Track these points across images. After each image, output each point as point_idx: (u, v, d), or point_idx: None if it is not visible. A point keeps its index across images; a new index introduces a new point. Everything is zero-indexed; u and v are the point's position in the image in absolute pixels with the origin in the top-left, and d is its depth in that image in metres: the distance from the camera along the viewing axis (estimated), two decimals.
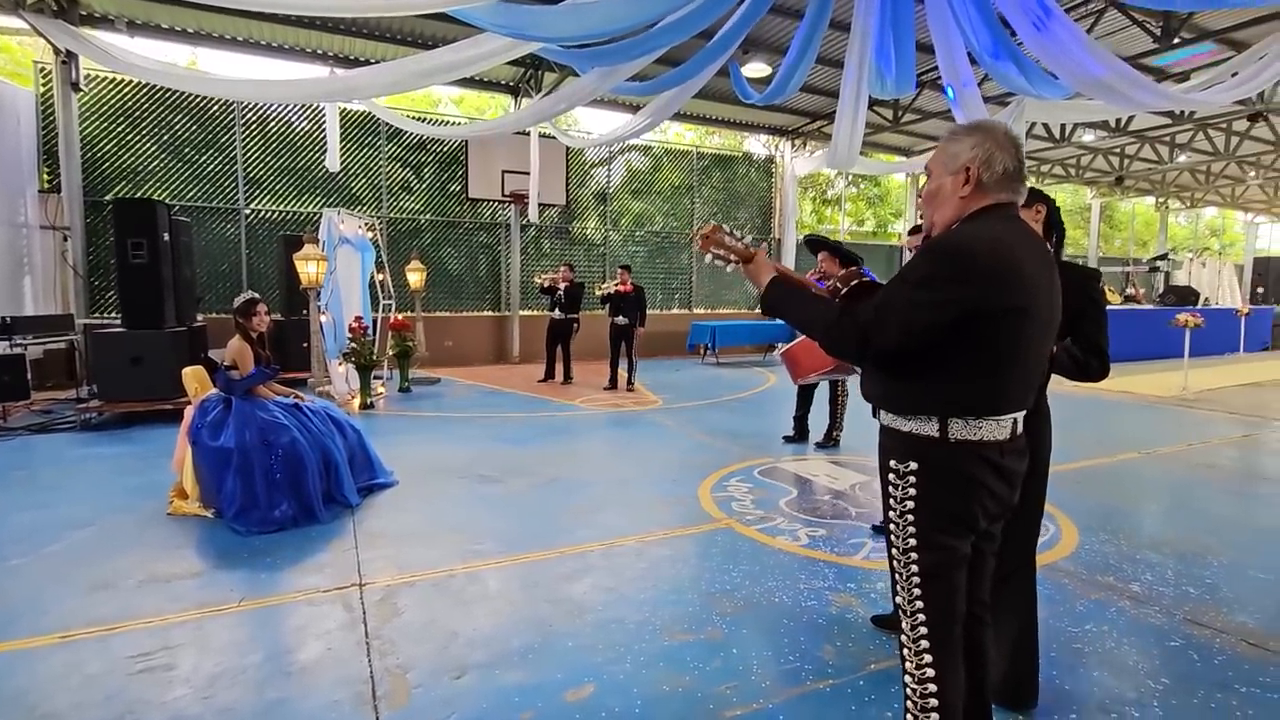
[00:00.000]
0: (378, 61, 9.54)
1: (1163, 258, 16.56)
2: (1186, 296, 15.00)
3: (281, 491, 3.79)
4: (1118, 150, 14.89)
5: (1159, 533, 3.81)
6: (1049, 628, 2.54)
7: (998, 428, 1.56)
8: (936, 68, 6.63)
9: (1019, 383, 1.57)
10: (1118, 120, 11.63)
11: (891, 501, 1.62)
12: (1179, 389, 8.75)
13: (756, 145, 14.46)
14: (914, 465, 1.57)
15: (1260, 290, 18.60)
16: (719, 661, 2.45)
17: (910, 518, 1.58)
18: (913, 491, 1.58)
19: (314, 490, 3.88)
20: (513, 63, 9.58)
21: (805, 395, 5.84)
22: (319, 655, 2.45)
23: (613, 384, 8.68)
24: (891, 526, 1.63)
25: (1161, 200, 19.86)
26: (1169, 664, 2.48)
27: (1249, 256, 20.75)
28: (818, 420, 5.79)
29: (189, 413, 4.08)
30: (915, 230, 3.36)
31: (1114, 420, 7.03)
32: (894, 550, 1.64)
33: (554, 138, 10.61)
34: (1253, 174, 15.96)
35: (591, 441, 6.12)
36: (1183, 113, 11.39)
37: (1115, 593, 3.04)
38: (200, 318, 7.87)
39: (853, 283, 1.86)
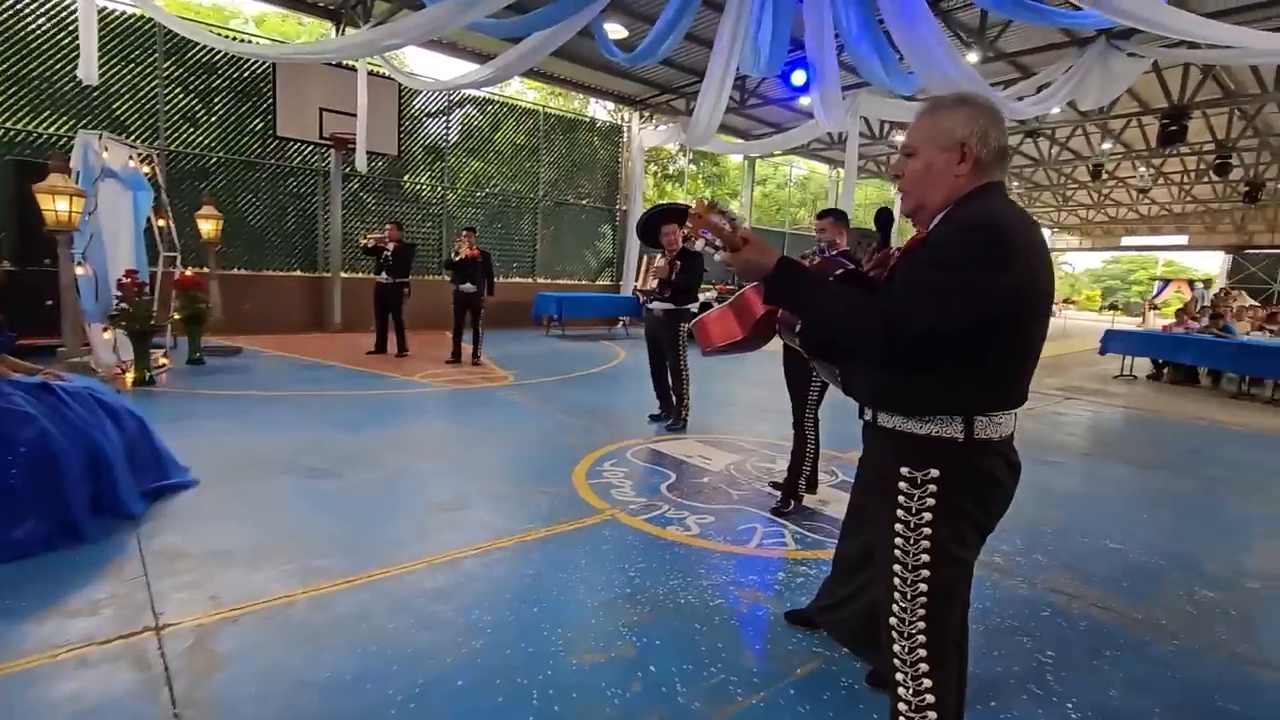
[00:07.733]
0: None
1: None
2: None
3: (24, 504, 2.79)
4: None
5: None
6: None
7: (1012, 422, 1.43)
8: (790, 53, 6.71)
9: (1032, 373, 1.44)
10: None
11: (901, 513, 1.41)
12: None
13: (600, 112, 14.09)
14: (935, 472, 1.37)
15: None
16: (638, 685, 2.15)
17: (927, 530, 1.38)
18: (931, 501, 1.38)
19: (76, 499, 2.92)
20: None
21: (660, 371, 5.66)
22: None
23: (455, 357, 7.95)
24: (898, 541, 1.42)
25: None
26: (1048, 634, 2.63)
27: None
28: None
29: None
30: (823, 214, 3.24)
31: None
32: (897, 566, 1.43)
33: (388, 77, 9.35)
34: (1015, 184, 18.82)
35: (442, 424, 5.46)
36: None
37: (981, 566, 3.21)
38: None
39: (837, 271, 1.63)
